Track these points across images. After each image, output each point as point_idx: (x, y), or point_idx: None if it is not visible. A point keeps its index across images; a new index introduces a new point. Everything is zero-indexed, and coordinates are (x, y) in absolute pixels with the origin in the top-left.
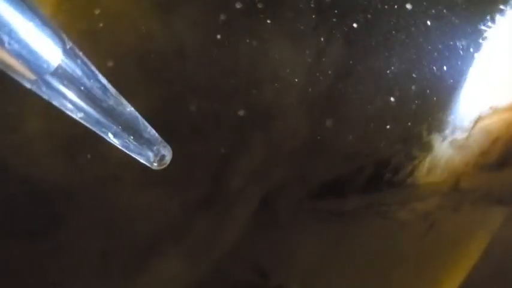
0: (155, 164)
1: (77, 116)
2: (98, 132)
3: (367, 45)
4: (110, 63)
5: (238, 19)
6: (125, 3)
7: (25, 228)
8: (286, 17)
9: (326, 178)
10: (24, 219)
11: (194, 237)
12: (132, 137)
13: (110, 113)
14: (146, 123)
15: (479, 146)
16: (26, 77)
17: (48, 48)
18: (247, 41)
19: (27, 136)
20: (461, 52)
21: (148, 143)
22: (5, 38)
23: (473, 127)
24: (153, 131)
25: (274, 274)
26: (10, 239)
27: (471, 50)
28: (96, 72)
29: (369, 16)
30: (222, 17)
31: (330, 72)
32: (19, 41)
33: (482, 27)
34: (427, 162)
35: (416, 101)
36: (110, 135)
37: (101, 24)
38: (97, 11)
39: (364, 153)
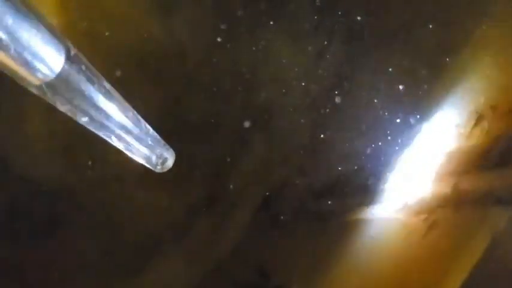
0: (158, 167)
1: (81, 120)
2: (101, 135)
3: (368, 45)
4: (111, 66)
5: (239, 20)
6: (126, 5)
7: (26, 228)
8: (287, 17)
9: (327, 178)
10: (25, 220)
11: (195, 238)
12: (135, 141)
13: (114, 117)
14: (149, 127)
15: (479, 145)
16: (30, 82)
17: (52, 54)
18: (248, 41)
19: (29, 136)
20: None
21: (151, 146)
22: (9, 44)
23: (473, 126)
24: (156, 134)
25: (275, 274)
26: (12, 239)
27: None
28: (100, 77)
29: (371, 15)
30: (223, 18)
31: (331, 72)
32: (23, 46)
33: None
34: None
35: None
36: (113, 138)
37: (102, 27)
38: (98, 13)
39: (365, 153)
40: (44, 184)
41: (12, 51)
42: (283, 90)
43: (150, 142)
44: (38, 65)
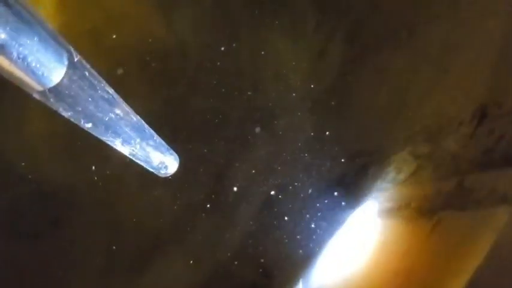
0: (161, 172)
1: (86, 126)
2: (105, 141)
3: (368, 44)
4: (112, 65)
5: (241, 19)
6: (127, 4)
7: (29, 228)
8: (288, 17)
9: (330, 176)
10: (28, 220)
11: (198, 237)
12: (138, 145)
13: (117, 122)
14: (152, 132)
15: (483, 144)
16: (33, 88)
17: (55, 60)
18: (250, 41)
19: (30, 138)
20: None
21: (155, 150)
22: (13, 51)
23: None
24: (160, 139)
25: (278, 273)
26: (15, 238)
27: None
28: (104, 82)
29: (370, 15)
30: (225, 18)
31: (332, 70)
32: (26, 53)
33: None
34: (432, 159)
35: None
36: (117, 143)
37: (103, 26)
38: (98, 13)
39: (367, 152)
40: (46, 184)
41: (15, 58)
42: (285, 89)
43: (153, 147)
44: (41, 72)
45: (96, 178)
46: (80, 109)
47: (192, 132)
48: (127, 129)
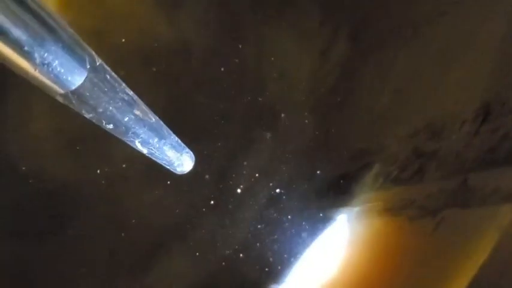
0: (178, 169)
1: (107, 127)
2: (125, 141)
3: (372, 43)
4: (116, 63)
5: (245, 17)
6: (130, 2)
7: (33, 227)
8: (292, 15)
9: (333, 175)
10: (32, 218)
11: (201, 235)
12: (157, 145)
13: (137, 123)
14: (170, 131)
15: (486, 142)
16: (56, 91)
17: (77, 64)
18: (254, 38)
19: (34, 136)
20: None
21: (172, 149)
22: (35, 55)
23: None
24: (177, 138)
25: (281, 271)
26: (19, 237)
27: None
28: (124, 85)
29: (373, 14)
30: (228, 15)
31: (335, 69)
32: (49, 58)
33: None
34: (435, 158)
35: None
36: (137, 143)
37: (106, 24)
38: (102, 11)
39: (371, 150)
40: (50, 183)
41: (38, 62)
42: (289, 87)
43: (171, 146)
44: (64, 75)
45: (100, 176)
46: (102, 111)
47: (195, 131)
48: (147, 129)
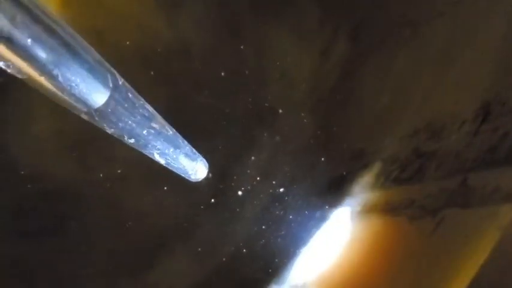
0: (193, 177)
1: (128, 141)
2: (145, 153)
3: (372, 43)
4: (115, 64)
5: (245, 17)
6: (130, 2)
7: (33, 227)
8: (292, 15)
9: (333, 175)
10: (32, 219)
11: (202, 236)
12: (174, 155)
13: (156, 137)
14: (185, 141)
15: (486, 142)
16: (80, 110)
17: (99, 84)
18: (253, 39)
19: (36, 137)
20: None
21: (187, 158)
22: (59, 77)
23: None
24: (192, 148)
25: (282, 270)
26: (19, 237)
27: None
28: (143, 101)
29: (373, 13)
30: (228, 15)
31: (335, 69)
32: (72, 79)
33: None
34: (435, 158)
35: None
36: (155, 155)
37: (106, 24)
38: (101, 11)
39: (371, 150)
40: (51, 184)
41: (62, 83)
42: (289, 87)
43: (186, 155)
44: (87, 95)
45: (100, 177)
46: (123, 126)
47: (195, 131)
48: (165, 142)
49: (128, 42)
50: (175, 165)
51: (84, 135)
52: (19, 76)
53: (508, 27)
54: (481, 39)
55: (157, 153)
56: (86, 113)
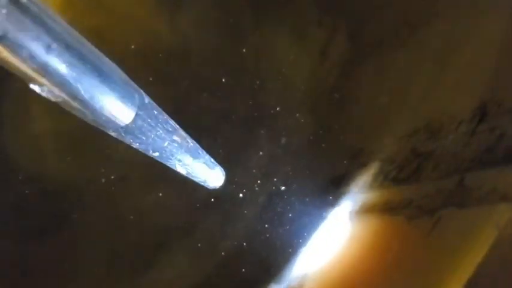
0: (211, 185)
1: (153, 154)
2: (168, 165)
3: (371, 42)
4: (115, 63)
5: (244, 17)
6: (131, 3)
7: (33, 226)
8: (291, 15)
9: (332, 174)
10: (33, 218)
11: (202, 235)
12: (195, 166)
13: (179, 150)
14: (204, 152)
15: (483, 142)
16: (108, 128)
17: (126, 104)
18: (253, 39)
19: (36, 137)
20: None
21: (206, 167)
22: (87, 99)
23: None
24: (209, 157)
25: (281, 270)
26: (20, 237)
27: None
28: (167, 117)
29: (371, 13)
30: (228, 15)
31: (333, 69)
32: (101, 99)
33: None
34: (432, 158)
35: None
36: (177, 166)
37: (106, 24)
38: (102, 11)
39: (369, 150)
40: (51, 183)
41: (90, 104)
42: (288, 87)
43: (206, 165)
44: (114, 115)
45: (100, 177)
46: (149, 142)
47: (195, 131)
48: (186, 154)
49: (128, 42)
50: (195, 175)
51: (84, 134)
52: (52, 100)
53: (506, 27)
54: (478, 39)
55: (180, 165)
56: (113, 130)
